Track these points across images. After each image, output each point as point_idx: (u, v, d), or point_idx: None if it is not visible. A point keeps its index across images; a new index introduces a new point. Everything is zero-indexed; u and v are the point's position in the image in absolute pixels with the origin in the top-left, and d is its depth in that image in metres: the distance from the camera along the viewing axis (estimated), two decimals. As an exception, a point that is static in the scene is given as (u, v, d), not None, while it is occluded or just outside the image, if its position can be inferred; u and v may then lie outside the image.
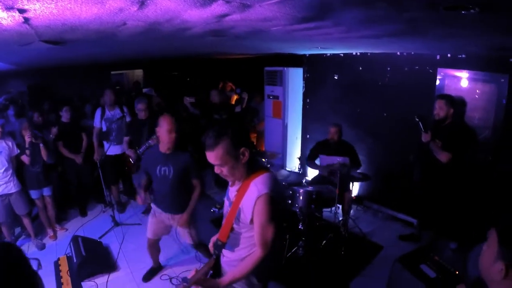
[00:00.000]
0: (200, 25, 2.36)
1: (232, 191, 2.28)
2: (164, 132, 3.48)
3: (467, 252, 1.78)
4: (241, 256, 2.23)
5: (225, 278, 2.10)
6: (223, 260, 2.36)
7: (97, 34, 2.53)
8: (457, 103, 4.28)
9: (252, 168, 2.17)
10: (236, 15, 2.02)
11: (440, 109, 4.21)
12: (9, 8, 1.56)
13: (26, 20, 1.84)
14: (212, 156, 2.04)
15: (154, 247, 4.17)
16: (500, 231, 1.26)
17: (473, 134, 4.22)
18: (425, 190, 4.57)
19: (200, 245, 4.02)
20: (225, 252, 2.33)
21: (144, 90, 8.55)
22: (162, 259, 4.55)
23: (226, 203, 2.35)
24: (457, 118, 4.26)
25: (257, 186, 2.08)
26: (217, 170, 2.11)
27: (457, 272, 3.02)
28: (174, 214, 3.77)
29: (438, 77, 5.02)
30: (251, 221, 2.10)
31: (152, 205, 3.90)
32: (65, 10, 1.69)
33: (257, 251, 2.10)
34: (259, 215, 2.05)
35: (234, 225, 2.21)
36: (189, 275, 2.14)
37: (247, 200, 2.11)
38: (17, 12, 1.63)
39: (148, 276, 4.30)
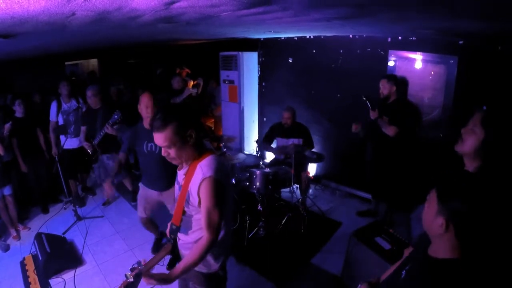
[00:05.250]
0: (149, 12, 2.35)
1: (180, 174, 2.28)
2: (143, 108, 3.66)
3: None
4: (195, 238, 2.23)
5: (177, 269, 2.03)
6: (179, 243, 2.37)
7: (48, 26, 2.47)
8: (399, 81, 4.52)
9: (199, 150, 2.17)
10: (183, 2, 2.02)
11: (383, 88, 4.49)
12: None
13: (-25, 15, 1.79)
14: (160, 138, 2.03)
15: (147, 225, 4.28)
16: (438, 190, 1.41)
17: (416, 109, 4.48)
18: (377, 165, 4.78)
19: None
20: (180, 235, 2.34)
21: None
22: (128, 246, 4.61)
23: (176, 187, 2.35)
24: (400, 95, 4.49)
25: (202, 169, 2.08)
26: (164, 152, 2.10)
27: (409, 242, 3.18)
28: (162, 191, 3.84)
29: (391, 58, 5.19)
30: (199, 203, 2.10)
31: (140, 185, 3.97)
32: (13, 4, 1.66)
33: (204, 236, 2.06)
34: (204, 197, 2.05)
35: (185, 208, 2.21)
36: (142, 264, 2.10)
37: (194, 182, 2.10)
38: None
39: (156, 247, 4.46)
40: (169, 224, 2.39)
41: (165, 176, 3.71)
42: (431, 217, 1.39)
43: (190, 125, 2.07)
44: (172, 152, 2.08)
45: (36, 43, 4.05)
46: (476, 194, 1.31)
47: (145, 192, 3.92)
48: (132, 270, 1.97)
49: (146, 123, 3.69)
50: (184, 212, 2.24)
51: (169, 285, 2.00)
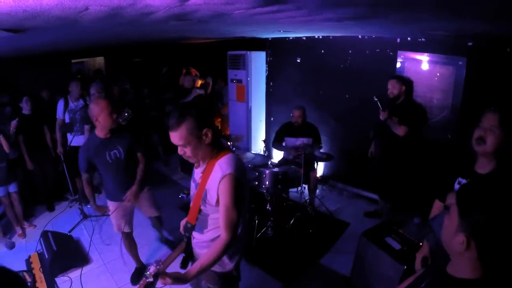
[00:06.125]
0: (163, 9, 2.34)
1: (197, 173, 2.27)
2: (106, 116, 3.37)
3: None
4: (210, 237, 2.23)
5: (193, 269, 2.02)
6: (194, 242, 2.36)
7: (59, 21, 2.45)
8: (406, 82, 4.51)
9: (216, 149, 2.17)
10: None
11: (393, 88, 4.45)
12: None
13: (-14, 7, 1.76)
14: (175, 136, 2.03)
15: (130, 242, 4.01)
16: (460, 205, 1.31)
17: (423, 109, 4.47)
18: (384, 165, 4.78)
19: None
20: (195, 234, 2.33)
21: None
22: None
23: (193, 185, 2.33)
24: (407, 96, 4.49)
25: (221, 167, 2.07)
26: (180, 151, 2.10)
27: (420, 244, 3.16)
28: None
29: (399, 59, 5.19)
30: (217, 202, 2.09)
31: (110, 203, 3.76)
32: None
33: (222, 236, 2.05)
34: (224, 195, 2.04)
35: (202, 207, 2.20)
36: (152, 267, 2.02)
37: (212, 180, 2.10)
38: (-23, -1, 1.56)
39: (136, 278, 4.05)
40: (183, 222, 2.40)
41: (133, 179, 3.67)
42: (451, 233, 1.32)
43: (205, 124, 2.07)
44: (188, 150, 2.07)
45: (45, 39, 4.02)
46: (502, 209, 1.24)
47: (119, 206, 3.73)
48: (150, 269, 1.96)
49: (103, 132, 3.48)
50: (200, 211, 2.23)
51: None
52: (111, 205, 3.74)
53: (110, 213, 3.78)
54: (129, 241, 3.99)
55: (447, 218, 1.36)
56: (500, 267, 1.28)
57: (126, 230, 3.85)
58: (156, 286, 1.98)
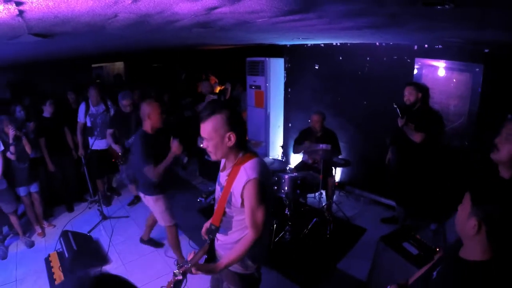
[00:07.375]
0: (189, 17, 2.39)
1: (223, 176, 2.31)
2: (158, 115, 3.82)
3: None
4: (234, 239, 2.27)
5: (222, 262, 2.15)
6: (217, 244, 2.40)
7: (87, 27, 2.52)
8: (423, 88, 4.53)
9: (242, 153, 2.21)
10: (225, 7, 2.06)
11: (410, 95, 4.49)
12: (6, 0, 1.53)
13: (21, 12, 1.80)
14: (203, 128, 2.10)
15: (177, 234, 4.28)
16: (472, 193, 1.47)
17: (440, 116, 4.49)
18: (401, 171, 4.81)
19: None
20: (218, 236, 2.37)
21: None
22: (153, 247, 4.71)
23: (218, 188, 2.38)
24: (423, 102, 4.51)
25: (247, 171, 2.12)
26: (204, 144, 2.15)
27: (437, 249, 3.18)
28: None
29: (416, 66, 5.21)
30: (242, 204, 2.15)
31: (156, 197, 3.96)
32: (61, 3, 1.68)
33: (249, 233, 2.16)
34: (249, 199, 2.10)
35: (226, 209, 2.25)
36: (188, 257, 2.17)
37: (237, 184, 2.15)
38: (13, 4, 1.60)
39: None
40: (207, 225, 2.45)
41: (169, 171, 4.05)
42: (464, 219, 1.45)
43: (232, 127, 2.10)
44: (210, 146, 2.13)
45: (70, 45, 4.11)
46: (510, 197, 1.36)
47: (164, 198, 4.03)
48: (179, 268, 2.03)
49: (153, 130, 3.86)
50: (224, 213, 2.28)
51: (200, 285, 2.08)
52: (159, 199, 3.98)
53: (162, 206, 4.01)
54: (177, 233, 4.25)
55: (461, 205, 1.52)
56: (508, 249, 1.40)
57: (175, 221, 4.15)
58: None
